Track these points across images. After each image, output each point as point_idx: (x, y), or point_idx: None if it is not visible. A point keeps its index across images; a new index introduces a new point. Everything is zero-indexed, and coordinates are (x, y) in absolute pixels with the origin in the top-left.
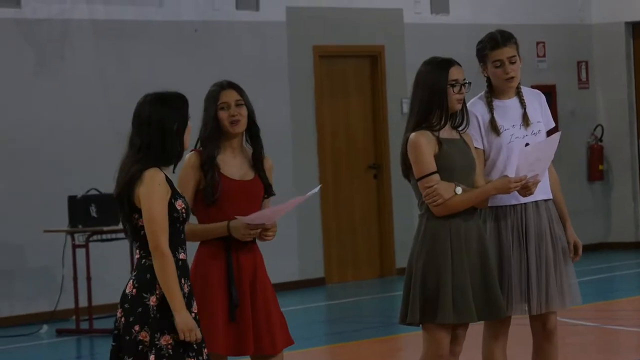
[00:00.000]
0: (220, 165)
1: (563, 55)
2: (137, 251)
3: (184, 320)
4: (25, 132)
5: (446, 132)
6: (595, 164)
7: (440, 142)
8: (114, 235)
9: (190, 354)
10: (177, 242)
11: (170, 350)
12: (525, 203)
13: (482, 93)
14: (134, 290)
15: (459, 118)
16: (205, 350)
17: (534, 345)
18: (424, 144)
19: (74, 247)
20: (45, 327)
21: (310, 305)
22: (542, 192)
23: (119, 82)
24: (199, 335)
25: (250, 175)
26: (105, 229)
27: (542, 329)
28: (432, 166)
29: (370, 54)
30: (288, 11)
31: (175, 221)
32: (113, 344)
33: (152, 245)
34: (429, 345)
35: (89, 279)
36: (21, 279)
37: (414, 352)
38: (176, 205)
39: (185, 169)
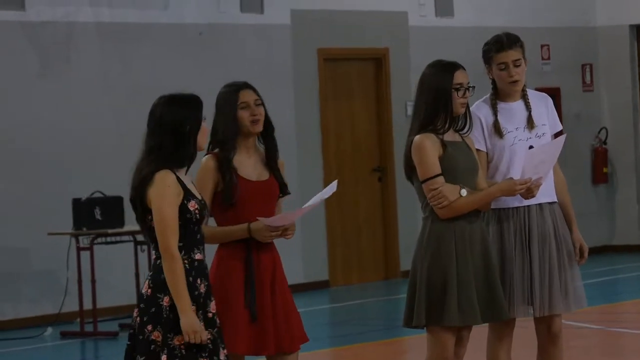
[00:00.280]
0: (237, 166)
1: (568, 58)
2: (154, 252)
3: (189, 322)
4: (30, 134)
5: (449, 135)
6: (600, 166)
7: (444, 144)
8: (118, 238)
9: (203, 355)
10: (192, 242)
11: (183, 351)
12: (528, 205)
13: (488, 95)
14: (149, 290)
15: (461, 121)
16: (225, 351)
17: (538, 348)
18: (429, 146)
19: (79, 249)
20: (49, 330)
21: (314, 307)
22: (546, 194)
23: (123, 84)
24: (204, 338)
25: (265, 175)
26: (109, 231)
27: (546, 331)
28: (437, 168)
29: (375, 56)
30: (293, 14)
31: (189, 222)
32: (128, 343)
33: (161, 246)
34: (434, 347)
35: (93, 281)
36: (26, 281)
37: (418, 354)
38: (189, 206)
39: (203, 172)
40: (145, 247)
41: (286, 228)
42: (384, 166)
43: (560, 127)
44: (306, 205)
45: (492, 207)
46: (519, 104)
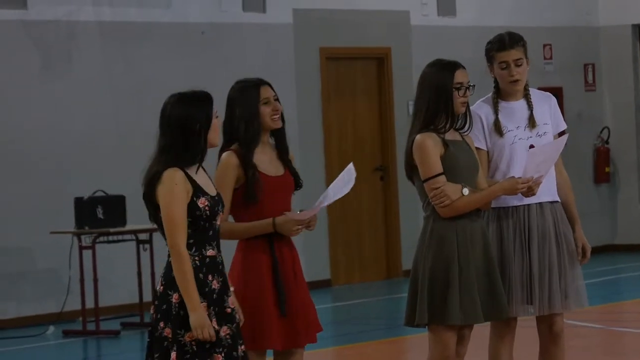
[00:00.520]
0: (256, 162)
1: (570, 57)
2: (168, 250)
3: (197, 318)
4: (32, 133)
5: (449, 134)
6: (602, 166)
7: (446, 143)
8: (120, 237)
9: (217, 350)
10: (203, 239)
11: (194, 347)
12: (528, 204)
13: (490, 95)
14: (162, 288)
15: (461, 120)
16: (242, 347)
17: (540, 347)
18: (431, 145)
19: (81, 248)
20: (51, 329)
21: (316, 306)
22: (547, 193)
23: (125, 83)
24: (212, 333)
25: (281, 169)
26: (111, 230)
27: (548, 331)
28: (439, 167)
29: (377, 56)
30: (295, 13)
31: (199, 219)
32: (148, 340)
33: (169, 244)
34: (436, 346)
35: (95, 280)
36: (28, 280)
37: (420, 353)
38: (198, 204)
39: (224, 168)
40: (147, 245)
41: (310, 220)
42: (386, 165)
43: (564, 127)
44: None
45: (492, 206)
46: (520, 103)
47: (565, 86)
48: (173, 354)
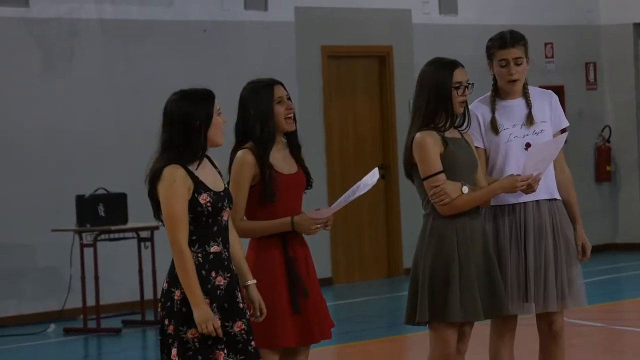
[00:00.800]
0: (272, 162)
1: (571, 56)
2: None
3: (201, 313)
4: (33, 131)
5: (449, 132)
6: (603, 165)
7: (445, 141)
8: (121, 235)
9: (219, 347)
10: (206, 235)
11: (197, 344)
12: (525, 202)
13: (488, 94)
14: (166, 285)
15: (460, 119)
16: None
17: (540, 345)
18: (431, 143)
19: (82, 246)
20: (52, 326)
21: None
22: (545, 191)
23: (127, 81)
24: (217, 326)
25: (294, 167)
26: (113, 228)
27: (548, 329)
28: (438, 166)
29: (379, 54)
30: (296, 11)
31: (200, 215)
32: (159, 337)
33: (170, 240)
34: (437, 344)
35: (96, 278)
36: (29, 278)
37: (421, 351)
38: (200, 200)
39: (240, 166)
40: (148, 243)
41: (327, 220)
42: (387, 164)
43: (566, 124)
44: (346, 197)
45: (490, 203)
46: (518, 102)
47: (566, 85)
48: (174, 350)
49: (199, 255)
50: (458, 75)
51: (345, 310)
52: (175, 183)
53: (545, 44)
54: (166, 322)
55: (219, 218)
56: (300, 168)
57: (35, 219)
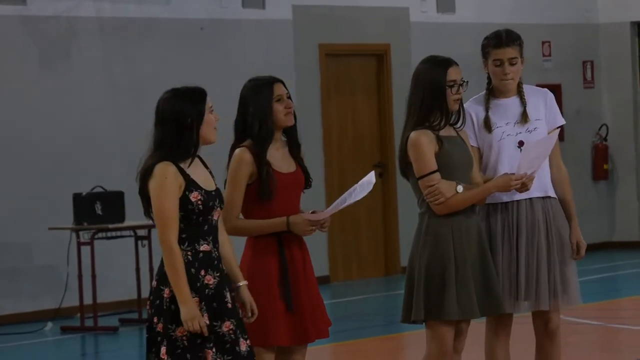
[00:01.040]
0: (269, 160)
1: (569, 54)
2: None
3: (188, 311)
4: (31, 129)
5: (444, 130)
6: (600, 163)
7: (440, 140)
8: (119, 233)
9: (208, 345)
10: (196, 233)
11: (185, 342)
12: (518, 200)
13: (482, 93)
14: (155, 283)
15: (455, 116)
16: (247, 342)
17: (536, 344)
18: (425, 142)
19: (79, 244)
20: (50, 325)
21: None
22: (539, 189)
23: (125, 79)
24: (203, 325)
25: (293, 166)
26: (110, 226)
27: (544, 328)
28: (433, 165)
29: (376, 52)
30: (294, 9)
31: (191, 213)
32: (146, 335)
33: (159, 238)
34: (433, 342)
35: (93, 276)
36: (26, 276)
37: (418, 349)
38: (190, 198)
39: (237, 164)
40: (145, 242)
41: (324, 221)
42: (384, 162)
43: (562, 122)
44: (343, 200)
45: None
46: (513, 100)
47: (564, 83)
48: (163, 349)
49: (189, 253)
50: (452, 74)
51: (343, 309)
52: (167, 180)
53: (543, 42)
54: (155, 320)
55: (210, 217)
56: (299, 167)
57: (33, 217)
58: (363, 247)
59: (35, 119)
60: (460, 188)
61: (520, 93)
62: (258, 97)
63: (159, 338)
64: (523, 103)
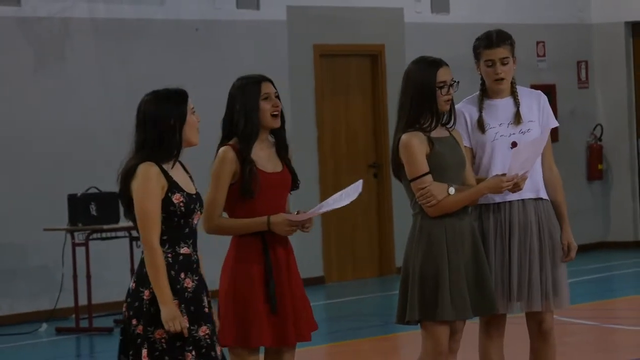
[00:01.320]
0: (254, 158)
1: (563, 55)
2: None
3: (169, 311)
4: (26, 130)
5: (436, 131)
6: (595, 163)
7: (431, 141)
8: (113, 234)
9: (187, 348)
10: (177, 236)
11: (164, 344)
12: (510, 201)
13: (476, 93)
14: (134, 285)
15: (446, 117)
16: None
17: (530, 345)
18: (416, 144)
19: (74, 245)
20: (45, 326)
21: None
22: (531, 190)
23: (119, 80)
24: (184, 325)
25: (279, 166)
26: (105, 227)
27: (537, 329)
28: (425, 167)
29: (371, 53)
30: (289, 10)
31: (173, 215)
32: (120, 337)
33: (142, 238)
34: (428, 342)
35: (88, 277)
36: (21, 277)
37: (413, 350)
38: (173, 199)
39: (221, 163)
40: (140, 242)
41: (305, 222)
42: (379, 162)
43: (555, 124)
44: (327, 204)
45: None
46: (506, 101)
47: (558, 83)
48: (144, 351)
49: (169, 255)
50: (442, 75)
51: (337, 309)
52: (151, 181)
53: (537, 43)
54: (134, 322)
55: (190, 220)
56: (285, 168)
57: (27, 218)
58: (358, 248)
59: (29, 120)
60: (452, 190)
61: (513, 94)
62: (245, 94)
63: (139, 340)
64: (516, 104)
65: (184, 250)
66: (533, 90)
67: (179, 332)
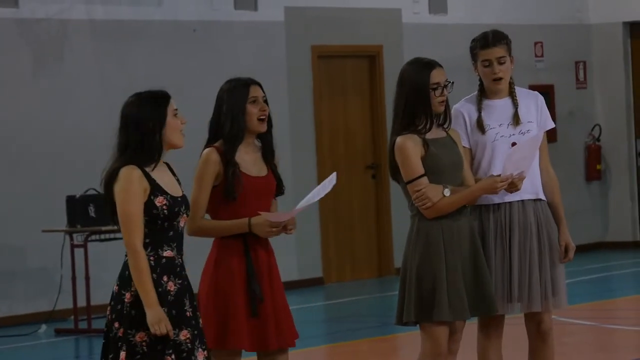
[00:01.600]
0: (238, 161)
1: (561, 55)
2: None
3: (154, 314)
4: (24, 132)
5: (432, 132)
6: (593, 163)
7: (426, 143)
8: (112, 235)
9: (168, 352)
10: (160, 239)
11: (145, 347)
12: (510, 202)
13: (475, 93)
14: (116, 288)
15: (442, 117)
16: (205, 352)
17: (529, 345)
18: (411, 147)
19: (73, 247)
20: (44, 327)
21: (308, 304)
22: (530, 191)
23: (117, 82)
24: (170, 327)
25: (264, 170)
26: (103, 228)
27: (536, 329)
28: (420, 169)
29: (369, 53)
30: (286, 11)
31: (156, 218)
32: (103, 341)
33: (124, 242)
34: (427, 343)
35: (87, 278)
36: (20, 278)
37: (412, 351)
38: (155, 202)
39: (204, 164)
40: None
41: (287, 223)
42: (377, 163)
43: (552, 125)
44: (305, 201)
45: (475, 203)
46: (505, 101)
47: (556, 84)
48: (122, 354)
49: (152, 258)
50: (435, 76)
51: (336, 310)
52: (132, 184)
53: (535, 43)
54: (116, 325)
55: (175, 223)
56: (271, 173)
57: (26, 219)
58: (356, 248)
59: (28, 121)
60: (447, 191)
61: (512, 94)
62: (233, 97)
63: (120, 343)
64: (515, 104)
65: (167, 253)
66: (530, 91)
67: (164, 335)
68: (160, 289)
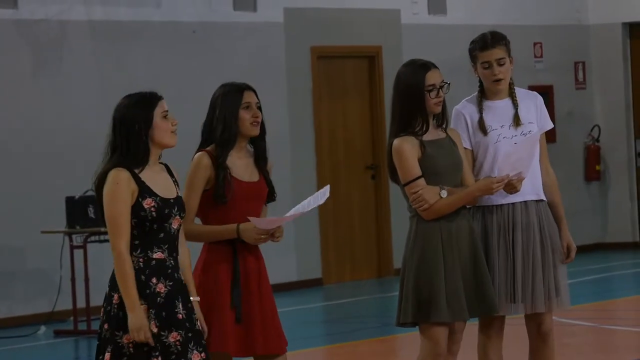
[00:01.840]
0: (230, 166)
1: (560, 56)
2: None
3: (135, 320)
4: (23, 133)
5: (431, 133)
6: (592, 164)
7: (423, 145)
8: None
9: (154, 354)
10: (150, 240)
11: (131, 349)
12: (513, 203)
13: (475, 94)
14: (107, 289)
15: (439, 118)
16: (202, 354)
17: (530, 346)
18: (408, 149)
19: (72, 248)
20: (43, 328)
21: (307, 305)
22: (532, 192)
23: (116, 83)
24: (149, 335)
25: (256, 176)
26: (103, 229)
27: (536, 330)
28: (416, 171)
29: (368, 54)
30: (286, 12)
31: (144, 220)
32: (97, 342)
33: (111, 244)
34: (426, 343)
35: (86, 280)
36: (19, 280)
37: (411, 351)
38: (144, 204)
39: (195, 168)
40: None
41: (274, 231)
42: (377, 164)
43: (551, 126)
44: (297, 210)
45: (477, 204)
46: (505, 102)
47: (555, 84)
48: (107, 355)
49: (141, 260)
50: (431, 78)
51: (336, 311)
52: (118, 186)
53: (534, 44)
54: (106, 326)
55: (167, 225)
56: (262, 179)
57: (25, 220)
58: (356, 249)
59: (27, 121)
60: (444, 193)
61: (512, 95)
62: (226, 101)
63: (107, 344)
64: (515, 105)
65: (157, 255)
66: (529, 91)
67: (144, 342)
68: (148, 291)
